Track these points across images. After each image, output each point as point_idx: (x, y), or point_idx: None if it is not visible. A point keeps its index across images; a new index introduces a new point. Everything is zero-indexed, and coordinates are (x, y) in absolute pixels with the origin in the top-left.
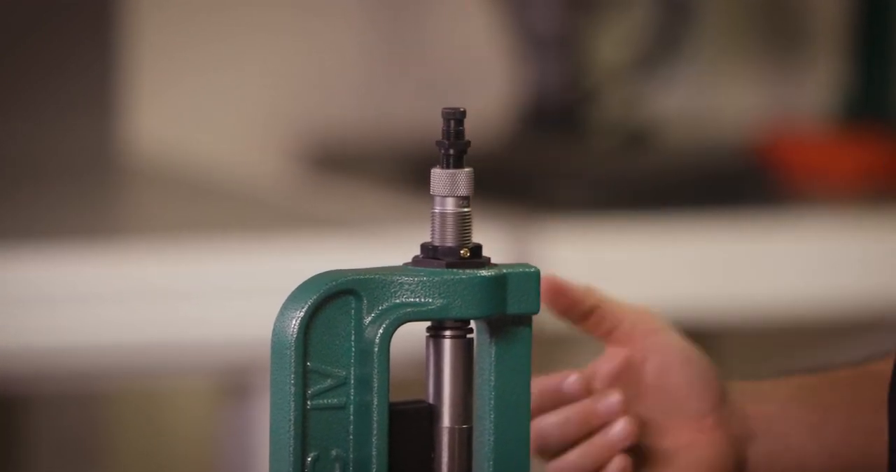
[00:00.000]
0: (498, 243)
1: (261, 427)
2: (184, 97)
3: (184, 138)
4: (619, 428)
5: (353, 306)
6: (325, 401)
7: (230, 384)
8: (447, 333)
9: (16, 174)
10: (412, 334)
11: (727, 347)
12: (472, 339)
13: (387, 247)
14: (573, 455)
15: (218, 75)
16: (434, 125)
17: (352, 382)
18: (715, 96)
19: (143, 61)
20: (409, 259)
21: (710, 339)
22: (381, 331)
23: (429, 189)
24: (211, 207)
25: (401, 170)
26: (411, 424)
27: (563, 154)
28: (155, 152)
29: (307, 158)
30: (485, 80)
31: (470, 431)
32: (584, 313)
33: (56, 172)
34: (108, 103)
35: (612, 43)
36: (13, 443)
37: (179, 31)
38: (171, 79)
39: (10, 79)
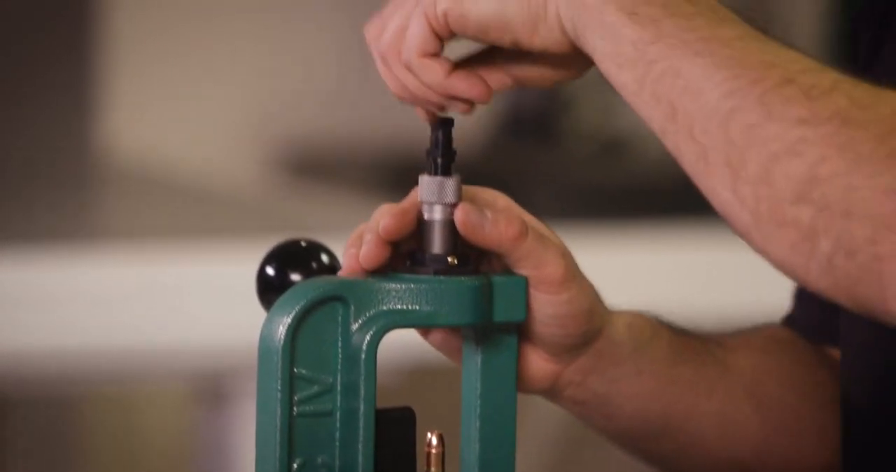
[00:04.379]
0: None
1: (237, 433)
2: (161, 101)
3: (161, 142)
4: None
5: (340, 312)
6: (312, 407)
7: (206, 389)
8: None
9: None
10: (399, 341)
11: None
12: None
13: None
14: None
15: (195, 79)
16: (408, 132)
17: (338, 388)
18: None
19: (120, 64)
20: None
21: None
22: (368, 338)
23: (404, 195)
24: (187, 211)
25: (377, 175)
26: (397, 430)
27: (538, 162)
28: (131, 156)
29: (283, 163)
30: None
31: None
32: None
33: (33, 174)
34: (86, 106)
35: None
36: None
37: (156, 35)
38: (148, 82)
39: None
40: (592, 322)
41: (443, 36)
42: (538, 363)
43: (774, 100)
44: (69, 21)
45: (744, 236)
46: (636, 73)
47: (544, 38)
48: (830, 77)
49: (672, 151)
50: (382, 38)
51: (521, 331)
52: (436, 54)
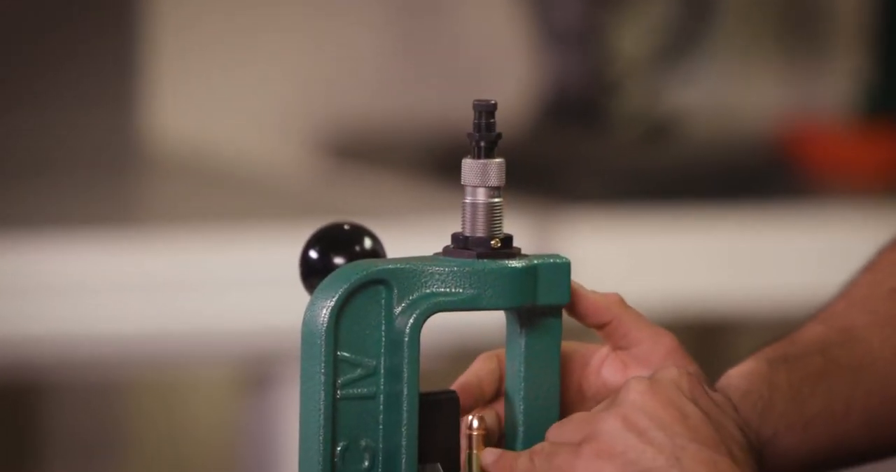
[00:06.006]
0: (519, 234)
1: (281, 417)
2: (205, 87)
3: (205, 129)
4: None
5: (383, 295)
6: (355, 390)
7: (250, 374)
8: None
9: (38, 165)
10: (442, 325)
11: (746, 339)
12: None
13: (407, 237)
14: None
15: (239, 65)
16: (456, 116)
17: (382, 371)
18: (736, 89)
19: (164, 52)
20: (429, 250)
21: (729, 331)
22: (411, 321)
23: (449, 179)
24: (232, 198)
25: (422, 160)
26: (440, 414)
27: (584, 146)
28: (176, 143)
29: (328, 148)
30: (507, 71)
31: None
32: (601, 323)
33: (78, 162)
34: (129, 94)
35: (634, 35)
36: (32, 432)
37: (200, 22)
38: (191, 69)
39: (31, 70)
40: None
41: None
42: None
43: None
44: (112, 8)
45: None
46: None
47: None
48: None
49: None
50: None
51: None
52: None
